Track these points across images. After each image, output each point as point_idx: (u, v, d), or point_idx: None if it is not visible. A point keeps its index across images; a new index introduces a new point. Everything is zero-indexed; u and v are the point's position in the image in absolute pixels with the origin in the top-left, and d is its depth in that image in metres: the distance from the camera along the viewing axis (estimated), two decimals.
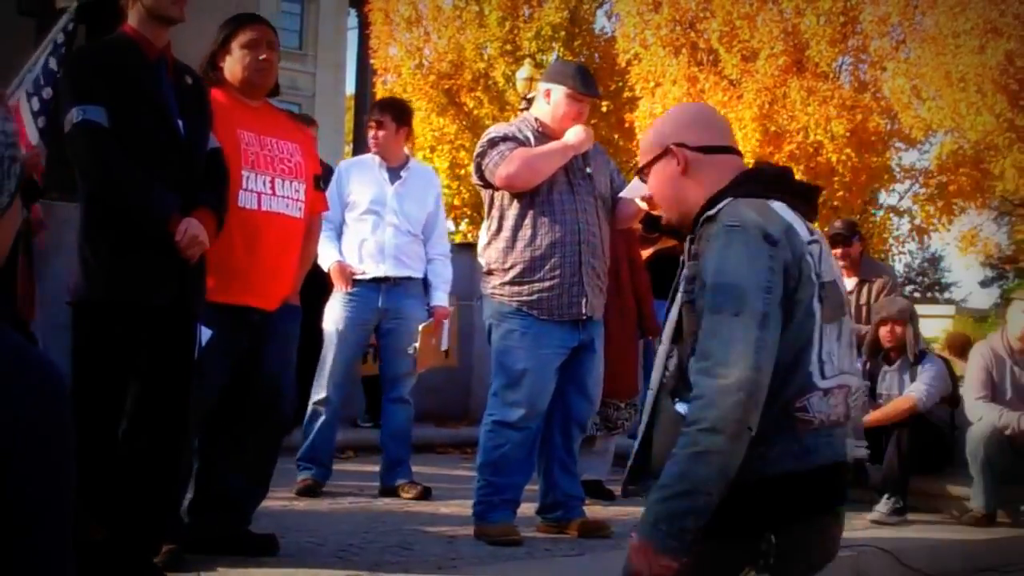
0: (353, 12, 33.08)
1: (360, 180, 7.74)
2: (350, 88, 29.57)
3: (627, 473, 3.36)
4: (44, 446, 1.84)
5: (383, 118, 7.84)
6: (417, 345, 7.71)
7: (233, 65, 5.51)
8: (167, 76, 4.86)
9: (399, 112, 8.04)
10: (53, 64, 7.77)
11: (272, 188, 5.48)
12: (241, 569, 5.19)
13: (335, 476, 7.67)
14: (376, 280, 7.65)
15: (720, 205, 3.23)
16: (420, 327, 7.77)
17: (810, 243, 3.18)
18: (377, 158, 7.79)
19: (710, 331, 3.08)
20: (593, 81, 6.79)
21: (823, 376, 3.12)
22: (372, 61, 29.00)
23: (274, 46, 5.59)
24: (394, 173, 7.78)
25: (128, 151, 4.67)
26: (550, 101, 6.55)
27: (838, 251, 9.51)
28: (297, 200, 5.62)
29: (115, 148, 4.65)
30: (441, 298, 8.06)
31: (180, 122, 4.83)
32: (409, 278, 7.78)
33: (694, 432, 2.99)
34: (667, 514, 2.97)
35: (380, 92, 29.56)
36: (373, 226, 7.65)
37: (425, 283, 7.91)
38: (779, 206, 3.22)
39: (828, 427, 3.13)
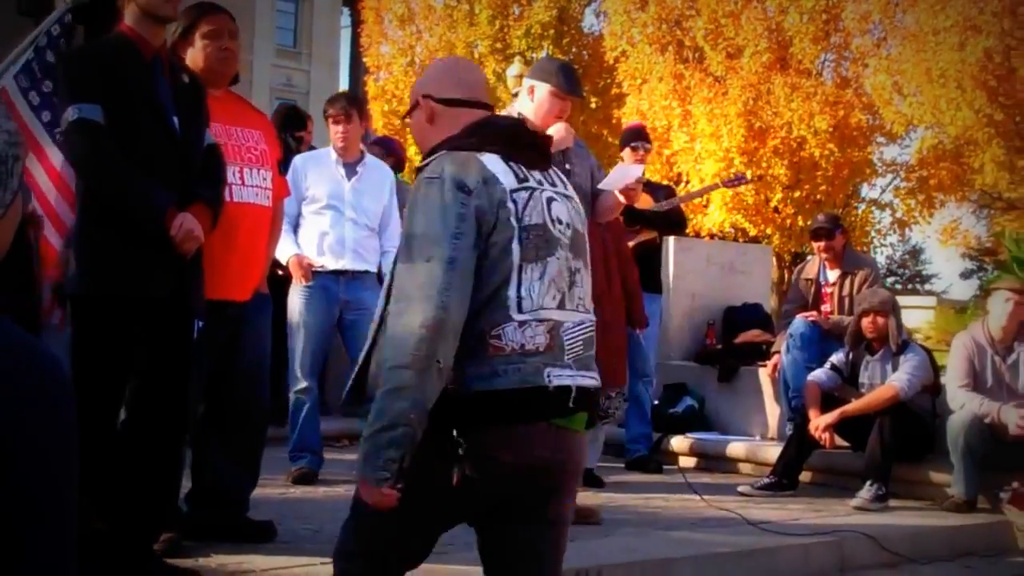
0: (346, 11, 32.98)
1: (317, 175, 7.70)
2: (344, 85, 29.58)
3: (345, 394, 3.60)
4: (48, 445, 1.85)
5: (350, 112, 7.83)
6: None
7: (195, 55, 5.45)
8: (163, 75, 4.85)
9: (360, 107, 8.06)
10: (51, 57, 7.70)
11: (241, 178, 5.50)
12: (238, 556, 5.19)
13: (329, 464, 7.67)
14: (335, 272, 7.64)
15: (431, 158, 3.49)
16: None
17: (516, 191, 3.46)
18: (334, 154, 7.76)
19: (403, 276, 3.39)
20: (577, 80, 6.81)
21: (520, 311, 3.39)
22: (364, 59, 28.94)
23: (235, 35, 5.53)
24: (350, 168, 7.76)
25: (124, 148, 4.66)
26: (534, 98, 6.57)
27: (821, 244, 9.54)
28: (265, 188, 5.63)
29: (111, 145, 4.64)
30: None
31: (176, 120, 4.81)
32: (366, 271, 7.79)
33: (387, 371, 3.28)
34: (374, 449, 3.22)
35: (372, 89, 29.54)
36: (333, 221, 7.61)
37: (379, 275, 7.91)
38: (489, 158, 3.46)
39: (521, 355, 3.38)
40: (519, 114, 6.59)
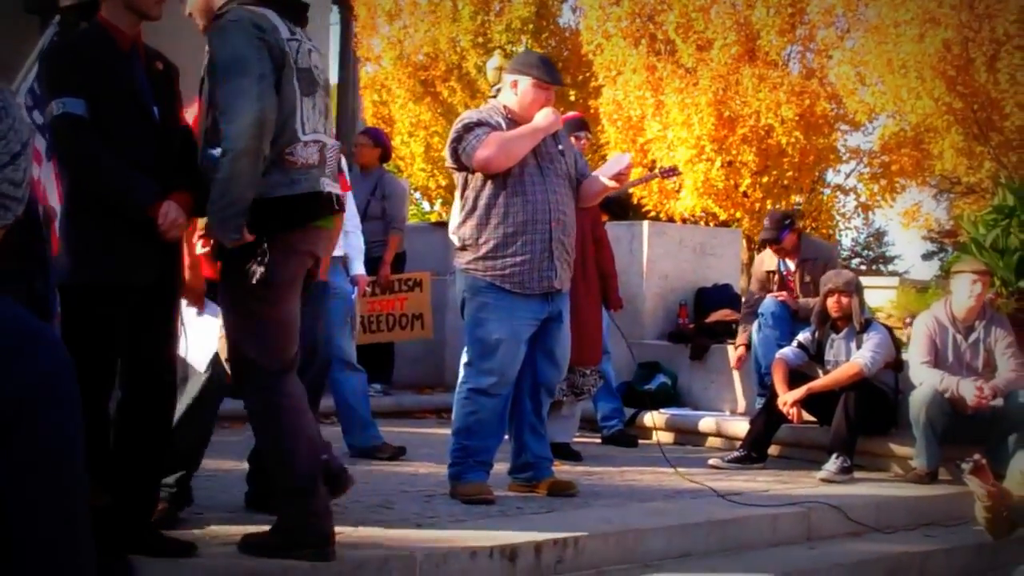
0: (335, 8, 32.95)
1: None
2: (334, 78, 29.70)
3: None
4: (48, 422, 1.78)
5: None
6: (359, 315, 7.82)
7: None
8: (140, 63, 4.80)
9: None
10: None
11: None
12: (231, 526, 5.20)
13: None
14: None
15: (225, 9, 4.56)
16: (354, 296, 7.99)
17: (289, 40, 4.58)
18: None
19: (227, 92, 4.40)
20: (556, 70, 6.84)
21: (303, 132, 4.60)
22: (357, 51, 28.89)
23: None
24: None
25: (107, 139, 4.61)
26: (517, 91, 6.57)
27: (772, 248, 9.56)
28: None
29: (95, 138, 4.60)
30: (359, 268, 8.15)
31: (155, 108, 4.78)
32: (336, 256, 7.73)
33: (224, 162, 4.40)
34: (224, 219, 4.47)
35: (363, 80, 29.47)
36: None
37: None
38: (269, 12, 4.55)
39: (307, 168, 4.63)
40: (504, 107, 6.58)
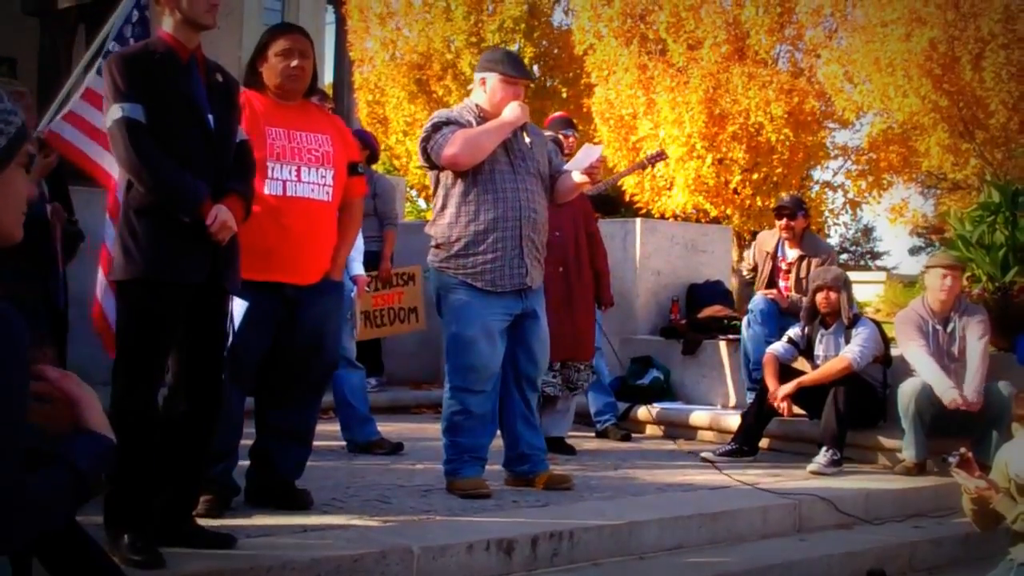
0: (330, 8, 32.83)
1: None
2: (329, 78, 29.67)
3: None
4: None
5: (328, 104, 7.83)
6: (359, 312, 8.12)
7: (269, 71, 5.72)
8: (199, 75, 4.95)
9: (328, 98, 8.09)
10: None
11: (297, 175, 5.64)
12: (240, 519, 5.21)
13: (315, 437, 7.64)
14: None
15: None
16: (353, 295, 8.00)
17: None
18: None
19: None
20: (522, 64, 6.83)
21: None
22: (350, 53, 28.82)
23: (307, 54, 5.77)
24: None
25: (163, 144, 4.77)
26: (486, 88, 6.57)
27: (783, 221, 9.53)
28: (324, 185, 5.74)
29: (151, 142, 4.74)
30: (359, 268, 8.22)
31: (210, 116, 4.91)
32: None
33: None
34: None
35: (358, 81, 29.44)
36: None
37: None
38: None
39: None
40: (476, 106, 6.58)
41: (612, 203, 10.11)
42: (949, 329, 7.90)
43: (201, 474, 5.14)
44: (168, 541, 4.71)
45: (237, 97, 5.19)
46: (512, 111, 6.43)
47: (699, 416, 9.48)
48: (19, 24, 13.86)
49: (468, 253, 6.34)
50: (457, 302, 6.38)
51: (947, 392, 7.55)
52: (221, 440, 5.28)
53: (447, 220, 6.42)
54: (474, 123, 6.45)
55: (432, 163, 6.44)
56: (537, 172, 6.57)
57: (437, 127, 6.42)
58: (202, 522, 5.07)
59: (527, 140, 6.58)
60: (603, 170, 6.82)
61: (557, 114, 9.61)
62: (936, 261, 8.10)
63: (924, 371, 7.69)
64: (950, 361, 7.82)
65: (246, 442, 5.87)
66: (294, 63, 5.67)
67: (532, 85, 20.30)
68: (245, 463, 5.90)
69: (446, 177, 6.45)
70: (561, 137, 8.88)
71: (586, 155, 6.70)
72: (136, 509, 4.65)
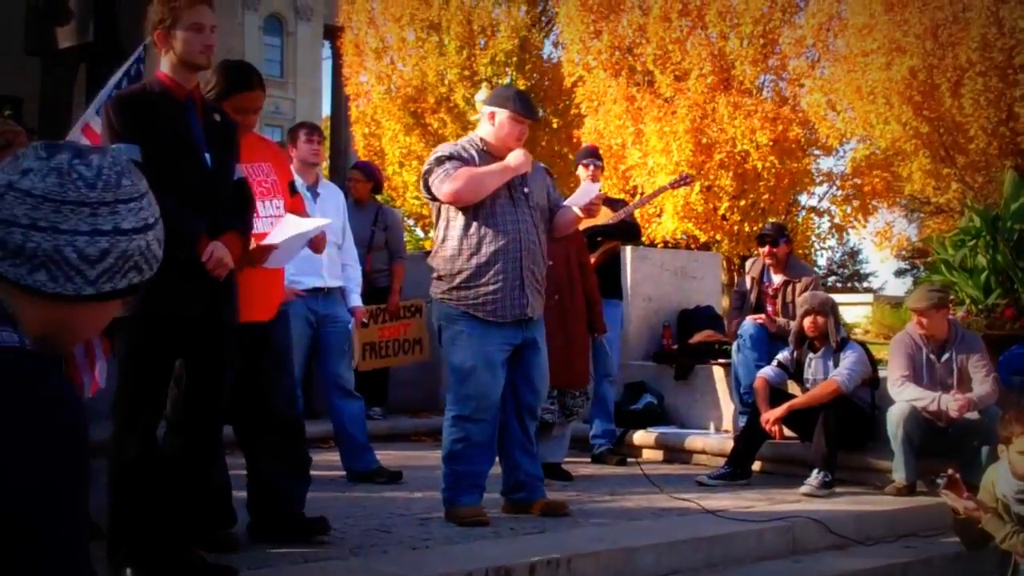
0: (327, 43, 32.94)
1: None
2: (326, 111, 29.65)
3: None
4: (43, 463, 1.70)
5: (319, 136, 7.91)
6: (357, 343, 8.19)
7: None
8: (196, 114, 4.96)
9: (321, 132, 8.08)
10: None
11: (256, 211, 5.52)
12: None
13: (317, 465, 7.59)
14: (314, 290, 7.60)
15: None
16: (351, 326, 8.01)
17: None
18: (299, 177, 7.48)
19: None
20: (532, 105, 6.83)
21: None
22: (345, 88, 28.91)
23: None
24: (312, 190, 7.71)
25: (161, 182, 4.65)
26: (494, 123, 6.55)
27: (766, 249, 9.49)
28: (279, 216, 5.68)
29: (147, 180, 4.63)
30: (357, 300, 8.17)
31: (207, 155, 4.91)
32: (339, 287, 7.88)
33: None
34: None
35: (354, 114, 29.52)
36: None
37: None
38: None
39: None
40: (481, 139, 6.56)
41: (634, 232, 10.01)
42: (944, 358, 7.83)
43: (201, 506, 5.09)
44: (170, 574, 4.67)
45: (236, 137, 5.17)
46: (516, 158, 6.41)
47: (692, 440, 9.44)
48: (20, 63, 13.85)
49: (470, 285, 6.32)
50: (459, 332, 6.36)
51: (941, 400, 7.50)
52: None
53: (449, 253, 6.40)
54: (476, 157, 6.44)
55: (434, 195, 6.42)
56: (536, 205, 6.55)
57: (440, 161, 6.41)
58: (204, 554, 5.02)
59: (524, 190, 6.57)
60: (598, 207, 6.81)
61: (587, 145, 9.62)
62: (911, 303, 8.05)
63: (907, 397, 7.65)
64: (944, 391, 7.70)
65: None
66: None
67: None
68: (241, 494, 5.83)
69: (447, 210, 6.43)
70: (581, 167, 8.96)
71: (584, 193, 6.73)
72: (138, 542, 4.62)
